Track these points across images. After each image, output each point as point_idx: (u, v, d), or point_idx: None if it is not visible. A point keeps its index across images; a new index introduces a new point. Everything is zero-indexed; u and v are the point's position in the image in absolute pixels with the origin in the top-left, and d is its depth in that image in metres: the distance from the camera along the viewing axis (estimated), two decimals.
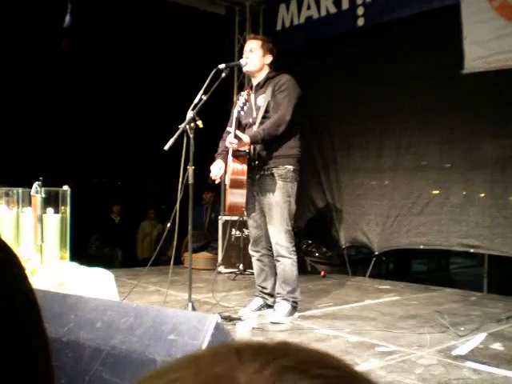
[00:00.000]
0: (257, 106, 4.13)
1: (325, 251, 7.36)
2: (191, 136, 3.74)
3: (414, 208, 6.35)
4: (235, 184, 3.96)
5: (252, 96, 4.23)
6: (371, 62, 6.66)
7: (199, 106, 3.78)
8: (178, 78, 9.21)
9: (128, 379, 1.55)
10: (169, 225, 3.98)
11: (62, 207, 3.67)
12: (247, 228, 6.56)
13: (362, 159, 6.98)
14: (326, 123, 7.27)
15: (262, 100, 4.10)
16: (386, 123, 6.66)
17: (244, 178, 3.95)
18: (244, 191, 3.98)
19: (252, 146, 4.02)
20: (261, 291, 4.31)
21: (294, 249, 4.13)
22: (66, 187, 3.69)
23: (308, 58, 7.28)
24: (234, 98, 4.66)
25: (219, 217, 7.00)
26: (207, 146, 4.45)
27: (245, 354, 0.42)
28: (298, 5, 7.47)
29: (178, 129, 3.73)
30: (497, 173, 5.67)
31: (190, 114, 3.74)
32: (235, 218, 6.69)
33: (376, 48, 6.61)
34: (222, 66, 3.91)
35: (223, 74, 3.91)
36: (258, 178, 4.12)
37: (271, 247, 4.19)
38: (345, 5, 6.81)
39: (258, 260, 4.30)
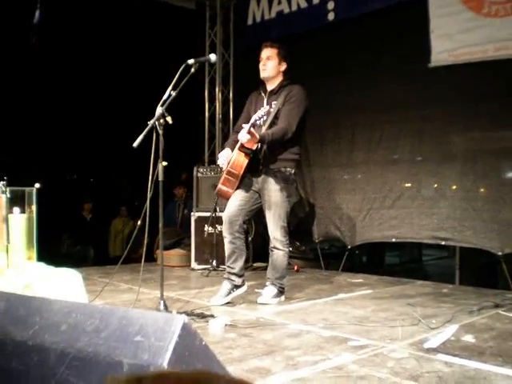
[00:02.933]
0: (268, 111, 4.43)
1: (298, 246, 7.38)
2: (160, 132, 3.71)
3: (385, 201, 6.38)
4: (230, 174, 4.36)
5: (265, 101, 4.57)
6: (342, 56, 6.68)
7: (168, 101, 3.74)
8: (148, 73, 9.12)
9: (94, 382, 1.52)
10: (139, 222, 3.94)
11: (30, 207, 3.60)
12: (220, 224, 6.58)
13: (334, 154, 7.00)
14: None
15: (274, 106, 4.46)
16: (357, 117, 6.69)
17: (239, 173, 4.33)
18: (237, 182, 4.37)
19: (259, 146, 4.38)
20: (229, 272, 4.52)
21: (287, 242, 4.61)
22: (37, 185, 3.63)
23: None
24: (251, 97, 4.81)
25: (192, 213, 6.95)
26: (177, 142, 4.45)
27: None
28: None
29: (148, 125, 3.69)
30: (466, 165, 5.73)
31: (159, 110, 3.72)
32: (208, 214, 6.66)
33: (346, 42, 6.64)
34: (191, 61, 3.88)
35: (192, 70, 3.87)
36: (262, 176, 4.49)
37: (244, 231, 4.57)
38: None
39: (231, 242, 4.51)
